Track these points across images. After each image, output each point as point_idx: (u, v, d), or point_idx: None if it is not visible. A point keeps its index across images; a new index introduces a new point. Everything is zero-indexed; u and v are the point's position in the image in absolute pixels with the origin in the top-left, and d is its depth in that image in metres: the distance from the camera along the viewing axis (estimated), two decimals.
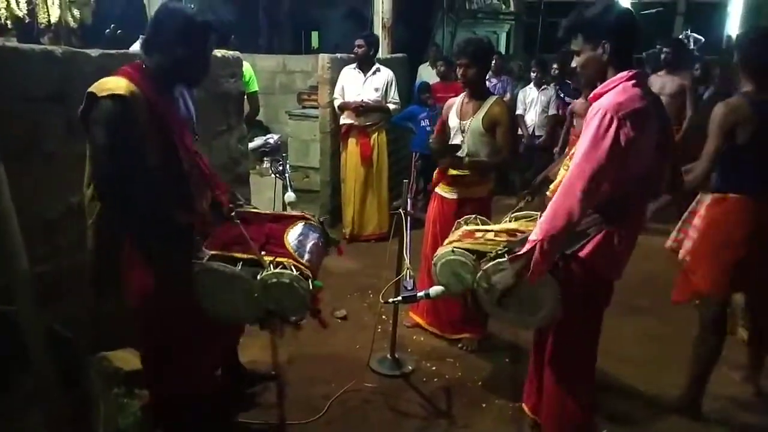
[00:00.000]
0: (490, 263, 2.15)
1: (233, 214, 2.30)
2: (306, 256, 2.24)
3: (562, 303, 2.09)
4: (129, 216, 2.02)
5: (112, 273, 2.16)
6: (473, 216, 2.71)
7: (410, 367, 3.14)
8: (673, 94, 4.90)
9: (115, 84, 1.96)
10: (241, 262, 2.11)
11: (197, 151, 2.26)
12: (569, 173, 1.94)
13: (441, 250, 2.39)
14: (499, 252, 2.17)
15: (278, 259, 2.12)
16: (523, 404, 2.67)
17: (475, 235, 2.42)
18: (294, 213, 2.58)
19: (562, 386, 2.28)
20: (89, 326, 2.54)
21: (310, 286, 2.11)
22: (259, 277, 2.07)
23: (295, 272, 2.08)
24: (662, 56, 5.10)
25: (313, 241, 2.37)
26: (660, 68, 5.23)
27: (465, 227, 2.58)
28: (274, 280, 2.06)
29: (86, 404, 2.44)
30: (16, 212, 2.14)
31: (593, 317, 2.23)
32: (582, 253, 2.06)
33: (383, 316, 3.42)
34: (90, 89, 1.96)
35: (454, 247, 2.32)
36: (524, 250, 2.01)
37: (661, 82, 4.99)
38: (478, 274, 2.17)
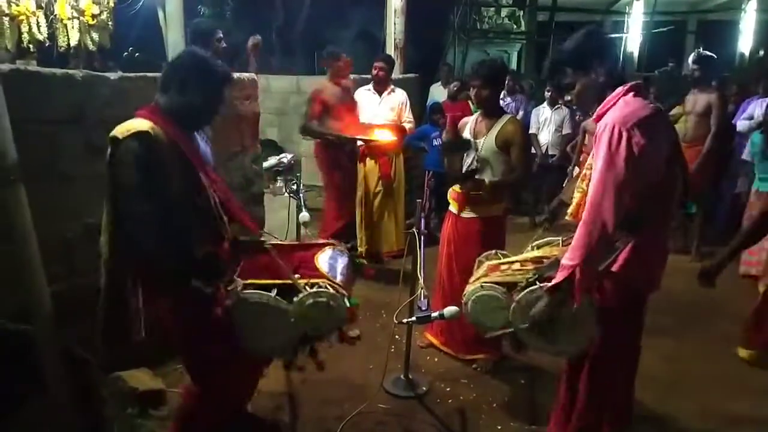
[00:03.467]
0: (523, 293, 2.12)
1: (262, 239, 2.32)
2: (339, 277, 2.26)
3: (599, 324, 2.06)
4: (160, 254, 1.99)
5: (121, 315, 2.11)
6: (494, 252, 2.69)
7: (424, 388, 3.11)
8: (701, 113, 4.85)
9: (136, 124, 1.98)
10: (275, 289, 2.12)
11: (221, 181, 2.28)
12: (593, 192, 1.93)
13: (469, 288, 2.34)
14: (530, 280, 2.14)
15: (312, 281, 2.14)
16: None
17: (501, 268, 2.39)
18: (320, 241, 2.62)
19: (599, 409, 2.24)
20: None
21: (347, 304, 2.13)
22: (296, 299, 2.07)
23: (331, 290, 2.10)
24: (692, 73, 5.04)
25: (343, 264, 2.39)
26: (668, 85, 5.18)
27: (488, 262, 2.55)
28: (311, 300, 2.07)
29: (100, 424, 2.44)
30: (34, 232, 2.17)
31: (632, 335, 2.20)
32: (614, 268, 2.05)
33: (397, 336, 3.40)
34: (112, 134, 1.98)
35: (483, 283, 2.28)
36: (561, 277, 1.96)
37: (693, 100, 4.95)
38: (512, 306, 2.14)
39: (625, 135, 1.88)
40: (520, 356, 3.32)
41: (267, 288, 2.12)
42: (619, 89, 2.00)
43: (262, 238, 2.34)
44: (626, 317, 2.14)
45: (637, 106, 1.95)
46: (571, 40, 2.09)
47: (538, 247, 2.54)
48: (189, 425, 2.31)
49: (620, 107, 1.96)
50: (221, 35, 3.83)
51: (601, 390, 2.22)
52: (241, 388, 2.41)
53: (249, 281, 2.14)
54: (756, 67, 10.53)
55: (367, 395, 3.00)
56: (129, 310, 2.09)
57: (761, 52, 13.31)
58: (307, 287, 2.10)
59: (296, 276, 2.16)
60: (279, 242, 2.55)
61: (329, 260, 2.36)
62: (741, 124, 5.43)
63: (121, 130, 1.97)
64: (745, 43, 12.99)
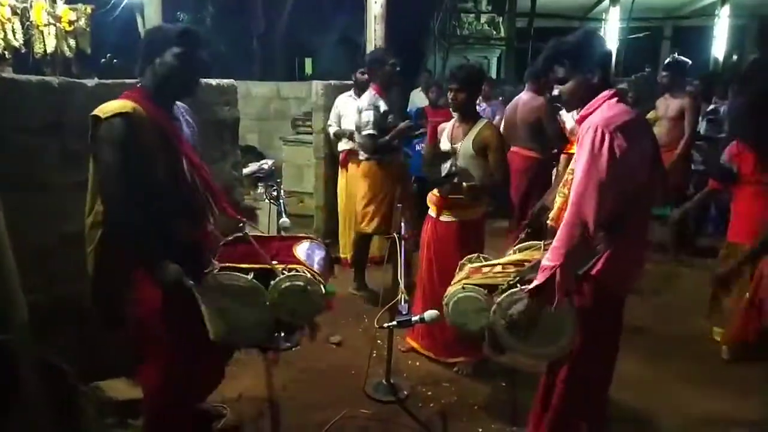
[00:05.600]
0: (504, 295, 2.13)
1: (241, 226, 2.32)
2: (316, 266, 2.26)
3: (578, 327, 2.09)
4: (138, 236, 2.02)
5: (112, 298, 2.16)
6: (476, 255, 2.71)
7: (405, 392, 3.12)
8: (674, 117, 4.95)
9: (118, 104, 1.99)
10: (252, 273, 2.11)
11: (203, 165, 2.28)
12: (574, 193, 1.96)
13: (450, 289, 2.35)
14: (511, 282, 2.15)
15: (290, 266, 2.14)
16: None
17: (482, 271, 2.41)
18: (298, 234, 2.60)
19: (574, 410, 2.27)
20: (82, 356, 2.52)
21: (323, 291, 2.13)
22: (272, 282, 2.07)
23: (308, 275, 2.10)
24: (662, 80, 5.14)
25: (321, 256, 2.39)
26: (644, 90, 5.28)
27: (470, 265, 2.57)
28: (288, 284, 2.07)
29: None
30: (10, 241, 2.14)
31: (610, 336, 2.23)
32: (593, 272, 2.08)
33: (378, 341, 3.41)
34: (93, 112, 1.99)
35: (464, 284, 2.29)
36: (542, 278, 1.98)
37: (665, 106, 5.04)
38: (493, 308, 2.15)
39: (607, 137, 1.91)
40: (501, 358, 3.37)
41: (244, 272, 2.11)
42: (605, 93, 2.04)
43: (241, 225, 2.35)
44: (604, 319, 2.17)
45: (620, 110, 1.99)
46: (572, 36, 2.10)
47: (520, 250, 2.57)
48: (156, 423, 2.30)
49: (604, 110, 2.00)
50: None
51: (577, 389, 2.24)
52: (204, 373, 2.41)
53: (226, 264, 2.13)
54: (729, 71, 10.75)
55: (350, 400, 3.00)
56: (120, 295, 2.12)
57: (735, 57, 13.61)
58: (284, 271, 2.10)
59: (274, 262, 2.15)
60: (258, 234, 2.54)
61: (307, 251, 2.35)
62: (709, 127, 5.54)
63: (104, 109, 1.98)
64: (718, 48, 13.27)
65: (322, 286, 2.14)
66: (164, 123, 2.09)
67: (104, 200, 2.03)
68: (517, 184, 4.68)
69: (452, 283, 2.46)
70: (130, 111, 1.97)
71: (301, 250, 2.33)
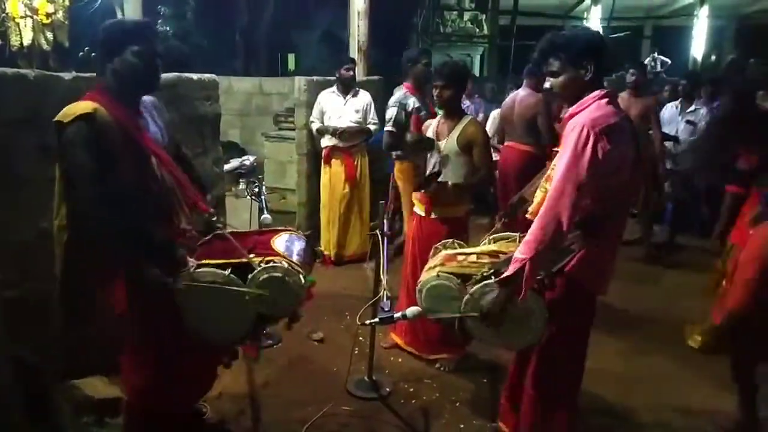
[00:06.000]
0: (477, 286, 2.15)
1: (215, 220, 2.30)
2: (295, 257, 2.22)
3: (549, 320, 2.12)
4: (116, 236, 1.99)
5: (79, 299, 2.13)
6: (451, 240, 2.72)
7: (388, 389, 3.11)
8: (638, 116, 5.01)
9: (79, 107, 1.97)
10: (229, 269, 2.08)
11: (172, 162, 2.25)
12: (553, 189, 1.97)
13: (424, 276, 2.36)
14: (485, 274, 2.17)
15: (268, 258, 2.11)
16: (501, 424, 2.66)
17: (457, 259, 2.41)
18: (278, 228, 2.57)
19: (546, 406, 2.29)
20: (58, 353, 2.48)
21: (302, 281, 2.10)
22: (250, 275, 2.05)
23: (286, 266, 2.07)
24: (630, 78, 5.21)
25: (300, 247, 2.36)
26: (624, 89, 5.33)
27: (444, 251, 2.58)
28: (266, 275, 2.04)
29: None
30: None
31: (581, 334, 2.26)
32: (567, 268, 2.10)
33: (360, 338, 3.41)
34: (56, 118, 1.97)
35: (439, 272, 2.30)
36: (512, 270, 2.00)
37: (627, 104, 5.10)
38: (465, 298, 2.16)
39: (592, 138, 1.92)
40: (482, 354, 3.39)
41: (221, 268, 2.08)
42: (596, 93, 2.04)
43: (214, 219, 2.33)
44: (575, 314, 2.19)
45: (607, 111, 1.99)
46: (571, 30, 2.11)
47: (495, 240, 2.58)
48: (135, 424, 2.27)
49: (592, 110, 2.00)
50: None
51: (548, 383, 2.27)
52: (193, 381, 2.38)
53: (203, 261, 2.11)
54: (707, 71, 10.91)
55: (331, 397, 2.99)
56: (88, 296, 2.10)
57: (713, 57, 13.82)
58: (261, 264, 2.07)
59: (251, 256, 2.13)
60: (233, 230, 2.52)
61: (286, 242, 2.32)
62: (685, 128, 5.59)
63: (65, 113, 1.96)
64: (697, 48, 13.47)
65: (301, 276, 2.11)
66: (127, 122, 2.06)
67: (76, 203, 2.00)
68: (511, 178, 4.70)
69: (426, 269, 2.48)
70: (91, 112, 1.95)
71: (279, 242, 2.30)
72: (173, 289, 2.02)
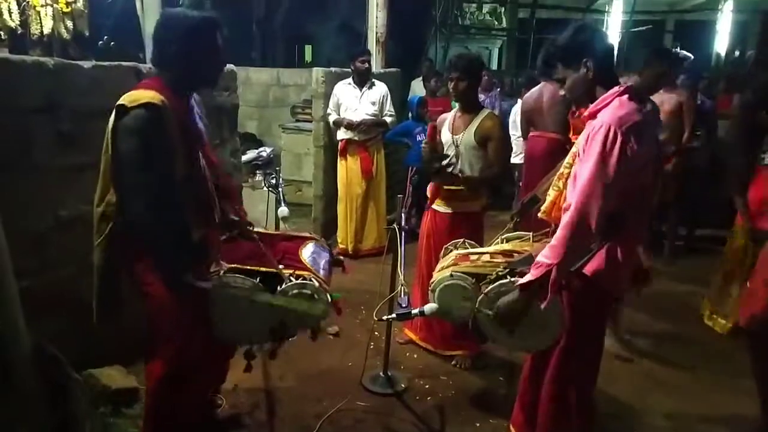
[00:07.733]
0: (492, 286, 2.11)
1: (250, 228, 2.34)
2: (321, 272, 2.28)
3: (566, 322, 2.08)
4: (156, 231, 1.95)
5: (115, 292, 2.11)
6: (462, 240, 2.68)
7: (403, 385, 3.09)
8: (671, 111, 4.89)
9: (146, 95, 1.92)
10: (259, 277, 2.11)
11: (217, 162, 2.26)
12: (580, 192, 1.90)
13: (438, 276, 2.33)
14: (500, 273, 2.13)
15: (298, 272, 2.16)
16: (510, 425, 2.58)
17: (470, 258, 2.37)
18: (303, 234, 2.63)
19: (562, 407, 2.24)
20: (76, 342, 2.49)
21: (329, 298, 2.15)
22: (280, 288, 2.08)
23: (316, 284, 2.12)
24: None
25: (325, 260, 2.43)
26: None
27: (456, 251, 2.53)
28: (296, 291, 2.09)
29: (72, 423, 2.38)
30: (3, 225, 2.09)
31: (598, 335, 2.22)
32: (587, 270, 2.05)
33: (376, 333, 3.38)
34: (120, 102, 1.91)
35: (453, 272, 2.26)
36: (537, 275, 1.94)
37: (659, 100, 4.98)
38: (480, 298, 2.12)
39: (620, 137, 1.86)
40: (498, 351, 3.35)
41: (251, 274, 2.11)
42: (615, 89, 1.98)
43: (249, 226, 2.36)
44: (593, 316, 2.15)
45: (631, 108, 1.93)
46: (562, 35, 2.07)
47: (508, 239, 2.54)
48: (159, 417, 2.26)
49: (615, 107, 1.94)
50: None
51: (566, 385, 2.23)
52: (209, 373, 2.38)
53: (233, 265, 2.14)
54: (730, 67, 10.71)
55: (346, 392, 2.98)
56: (121, 288, 2.09)
57: (737, 52, 13.56)
58: (292, 278, 2.12)
59: (281, 267, 2.17)
60: (262, 231, 2.53)
61: (312, 254, 2.38)
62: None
63: (130, 98, 1.90)
64: (721, 43, 13.22)
65: (328, 295, 2.16)
66: (184, 115, 2.04)
67: (123, 192, 1.95)
68: (538, 167, 4.62)
69: (437, 269, 2.44)
70: (158, 103, 1.90)
71: (306, 252, 2.36)
72: (204, 289, 2.01)
